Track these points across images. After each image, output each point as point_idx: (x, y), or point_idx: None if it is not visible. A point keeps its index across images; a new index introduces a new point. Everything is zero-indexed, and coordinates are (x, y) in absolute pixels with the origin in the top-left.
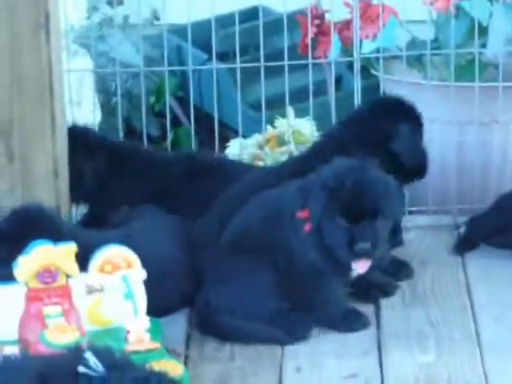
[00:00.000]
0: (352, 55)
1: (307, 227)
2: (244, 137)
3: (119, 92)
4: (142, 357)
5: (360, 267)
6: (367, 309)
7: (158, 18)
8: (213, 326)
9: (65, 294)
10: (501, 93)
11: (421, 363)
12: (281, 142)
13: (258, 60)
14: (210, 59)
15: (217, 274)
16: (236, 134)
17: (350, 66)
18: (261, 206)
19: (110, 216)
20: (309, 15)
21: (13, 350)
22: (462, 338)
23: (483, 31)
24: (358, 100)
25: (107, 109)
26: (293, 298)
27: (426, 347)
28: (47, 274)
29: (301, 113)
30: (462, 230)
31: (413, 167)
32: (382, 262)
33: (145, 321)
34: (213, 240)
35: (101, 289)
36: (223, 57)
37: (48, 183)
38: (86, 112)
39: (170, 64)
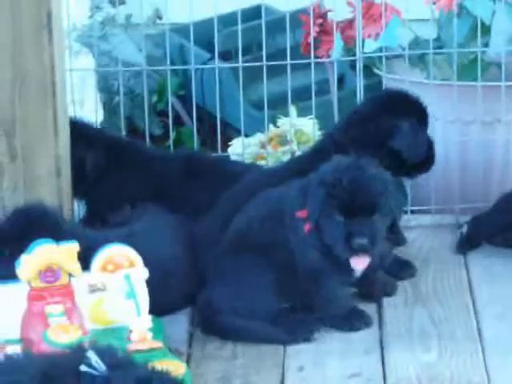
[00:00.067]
0: (354, 54)
1: (307, 227)
2: (246, 136)
3: (121, 91)
4: (144, 356)
5: (358, 263)
6: (369, 308)
7: (160, 17)
8: (215, 325)
9: (67, 293)
10: (503, 92)
11: (423, 362)
12: (283, 141)
13: (261, 59)
14: (212, 58)
15: (219, 273)
16: (238, 133)
17: (353, 65)
18: (262, 206)
19: (111, 215)
20: (311, 14)
21: (15, 349)
22: (465, 336)
23: (486, 30)
24: (360, 99)
25: (109, 108)
26: (295, 297)
27: (428, 346)
28: (49, 273)
29: (303, 112)
30: (465, 229)
31: (416, 163)
32: (384, 261)
33: (147, 320)
34: (215, 239)
35: (103, 288)
36: (225, 56)
37: (50, 182)
38: (89, 111)
39: (172, 63)
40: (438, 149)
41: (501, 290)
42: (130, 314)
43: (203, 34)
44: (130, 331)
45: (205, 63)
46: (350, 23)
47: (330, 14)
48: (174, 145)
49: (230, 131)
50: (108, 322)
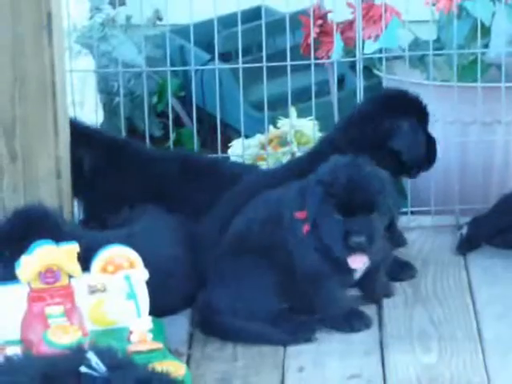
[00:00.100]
0: (354, 55)
1: (305, 228)
2: (246, 137)
3: (121, 92)
4: (144, 357)
5: (356, 262)
6: (369, 309)
7: (160, 19)
8: (215, 326)
9: (67, 294)
10: (503, 93)
11: (423, 363)
12: (283, 142)
13: (261, 60)
14: (212, 59)
15: (219, 274)
16: (238, 134)
17: (353, 66)
18: (262, 208)
19: (110, 216)
20: (311, 15)
21: (15, 350)
22: (465, 337)
23: (486, 31)
24: (360, 100)
25: (110, 109)
26: (295, 298)
27: (428, 347)
28: (49, 274)
29: (303, 113)
30: (465, 230)
31: (416, 162)
32: (384, 262)
33: (147, 321)
34: (215, 240)
35: (103, 289)
36: (225, 57)
37: (50, 183)
38: (89, 112)
39: (172, 64)
40: (438, 150)
41: (501, 290)
42: (130, 315)
43: (203, 35)
44: (130, 332)
45: (205, 64)
46: (350, 24)
47: (330, 15)
48: (174, 146)
49: (230, 132)
50: (108, 322)
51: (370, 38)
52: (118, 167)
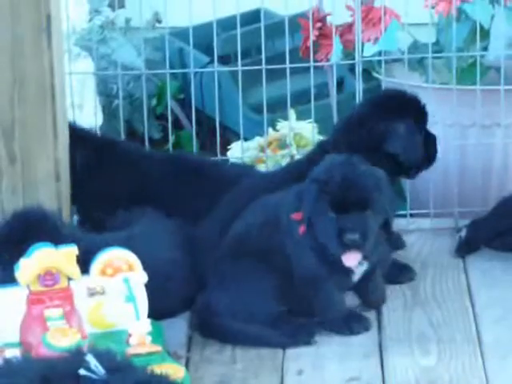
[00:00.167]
0: (354, 58)
1: (301, 229)
2: (246, 139)
3: (121, 95)
4: (143, 360)
5: (350, 260)
6: (369, 312)
7: (159, 21)
8: (213, 328)
9: (66, 296)
10: (502, 96)
11: (422, 365)
12: (282, 144)
13: (260, 63)
14: (211, 62)
15: (218, 277)
16: (237, 136)
17: (352, 68)
18: (260, 212)
19: (101, 216)
20: (310, 18)
21: (14, 353)
22: (464, 340)
23: (485, 34)
24: (359, 101)
25: (109, 111)
26: (294, 301)
27: (427, 350)
28: (49, 277)
29: (302, 115)
30: (464, 233)
31: (415, 163)
32: (382, 265)
33: (146, 324)
34: (214, 243)
35: (102, 291)
36: (225, 59)
37: (49, 186)
38: (88, 115)
39: (171, 67)
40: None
41: (500, 293)
42: (129, 317)
43: (202, 37)
44: (129, 335)
45: (204, 67)
46: (350, 27)
47: (329, 18)
48: (173, 148)
49: (229, 135)
50: (107, 325)
51: (369, 40)
52: (108, 167)
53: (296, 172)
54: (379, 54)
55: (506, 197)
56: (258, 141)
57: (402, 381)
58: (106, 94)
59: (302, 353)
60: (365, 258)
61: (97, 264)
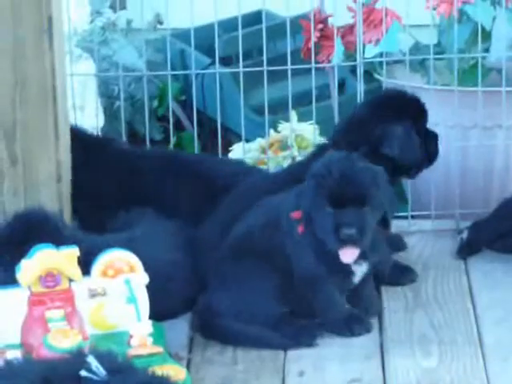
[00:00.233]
0: (355, 59)
1: (300, 227)
2: (247, 141)
3: (122, 96)
4: (144, 361)
5: (347, 255)
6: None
7: (161, 23)
8: (215, 329)
9: (67, 297)
10: (504, 97)
11: (423, 367)
12: (284, 146)
13: (261, 64)
14: (213, 63)
15: (219, 278)
16: (239, 137)
17: (353, 70)
18: (262, 213)
19: (110, 220)
20: (312, 19)
21: (15, 354)
22: (465, 341)
23: (486, 36)
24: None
25: (110, 113)
26: (295, 303)
27: (428, 351)
28: (50, 278)
29: (304, 117)
30: (465, 234)
31: (414, 164)
32: (384, 267)
33: (147, 325)
34: (215, 244)
35: (103, 293)
36: (226, 61)
37: (51, 187)
38: (89, 116)
39: (172, 68)
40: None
41: (501, 295)
42: (131, 318)
43: (204, 39)
44: (131, 336)
45: (205, 68)
46: (351, 28)
47: (330, 20)
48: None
49: (231, 136)
50: (108, 326)
51: (370, 42)
52: (99, 166)
53: (297, 173)
54: (381, 55)
55: (508, 198)
56: (259, 142)
57: (403, 382)
58: (107, 95)
59: (304, 354)
60: (364, 258)
61: (98, 265)
